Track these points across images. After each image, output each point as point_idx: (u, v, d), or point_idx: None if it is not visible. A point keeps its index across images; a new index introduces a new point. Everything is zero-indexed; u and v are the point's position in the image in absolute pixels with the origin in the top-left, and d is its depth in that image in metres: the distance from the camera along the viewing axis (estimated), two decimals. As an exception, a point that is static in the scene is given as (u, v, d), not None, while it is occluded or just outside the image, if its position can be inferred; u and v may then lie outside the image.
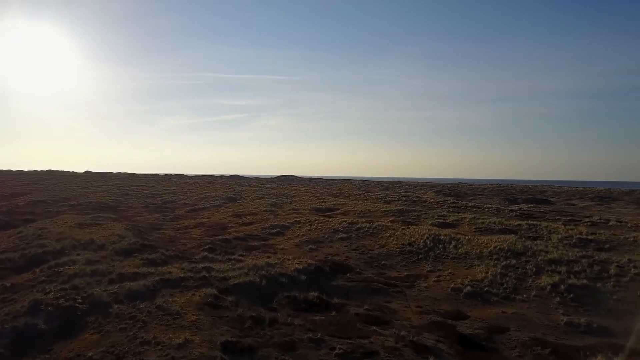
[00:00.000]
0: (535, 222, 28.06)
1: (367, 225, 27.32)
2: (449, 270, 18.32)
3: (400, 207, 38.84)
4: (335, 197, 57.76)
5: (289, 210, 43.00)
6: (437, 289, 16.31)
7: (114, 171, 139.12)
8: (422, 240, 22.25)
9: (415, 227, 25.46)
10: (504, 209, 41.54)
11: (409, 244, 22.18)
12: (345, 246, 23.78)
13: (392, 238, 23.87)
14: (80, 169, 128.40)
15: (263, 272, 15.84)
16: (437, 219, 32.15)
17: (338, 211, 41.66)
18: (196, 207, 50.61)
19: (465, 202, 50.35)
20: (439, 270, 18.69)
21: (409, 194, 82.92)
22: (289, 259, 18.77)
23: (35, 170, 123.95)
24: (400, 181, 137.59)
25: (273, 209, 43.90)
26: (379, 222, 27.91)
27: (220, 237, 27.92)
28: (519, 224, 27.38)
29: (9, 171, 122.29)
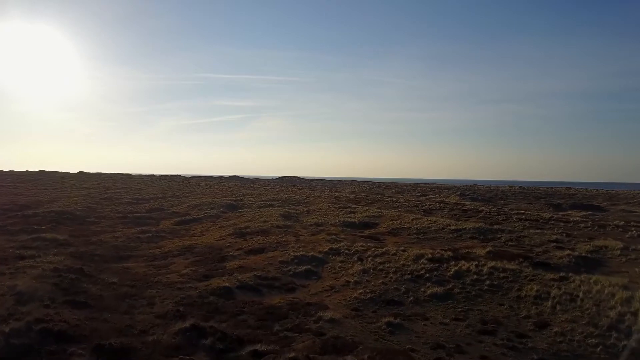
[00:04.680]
0: None
1: (469, 266, 15.72)
2: None
3: (474, 224, 27.18)
4: (357, 204, 46.11)
5: (311, 225, 31.41)
6: None
7: (110, 172, 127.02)
8: (627, 315, 10.58)
9: (575, 277, 13.70)
10: (608, 225, 29.97)
11: (609, 329, 10.52)
12: (456, 319, 12.18)
13: (547, 302, 12.25)
14: (78, 169, 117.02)
15: None
16: (558, 249, 20.50)
17: (380, 228, 30.08)
18: (187, 217, 39.09)
19: (534, 214, 38.81)
20: None
21: (427, 197, 70.87)
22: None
23: (27, 171, 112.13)
24: (405, 182, 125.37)
25: (289, 223, 32.28)
26: (489, 263, 16.20)
27: (214, 285, 16.36)
28: None
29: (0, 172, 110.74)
